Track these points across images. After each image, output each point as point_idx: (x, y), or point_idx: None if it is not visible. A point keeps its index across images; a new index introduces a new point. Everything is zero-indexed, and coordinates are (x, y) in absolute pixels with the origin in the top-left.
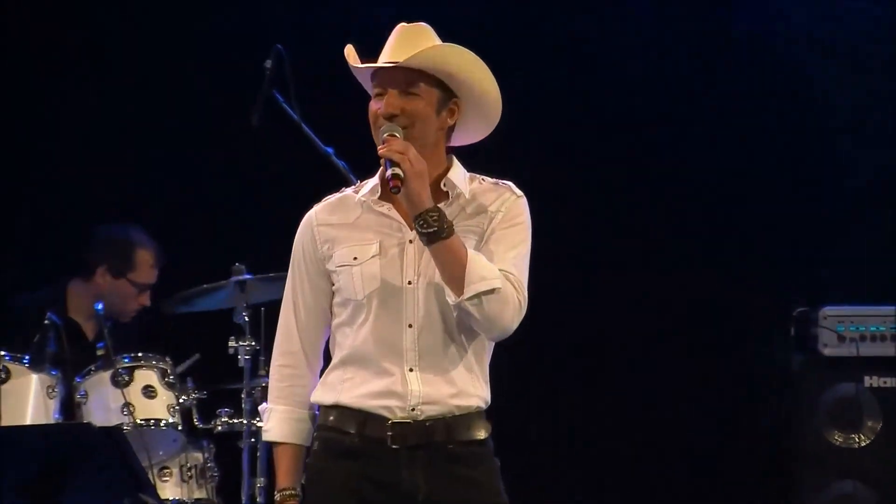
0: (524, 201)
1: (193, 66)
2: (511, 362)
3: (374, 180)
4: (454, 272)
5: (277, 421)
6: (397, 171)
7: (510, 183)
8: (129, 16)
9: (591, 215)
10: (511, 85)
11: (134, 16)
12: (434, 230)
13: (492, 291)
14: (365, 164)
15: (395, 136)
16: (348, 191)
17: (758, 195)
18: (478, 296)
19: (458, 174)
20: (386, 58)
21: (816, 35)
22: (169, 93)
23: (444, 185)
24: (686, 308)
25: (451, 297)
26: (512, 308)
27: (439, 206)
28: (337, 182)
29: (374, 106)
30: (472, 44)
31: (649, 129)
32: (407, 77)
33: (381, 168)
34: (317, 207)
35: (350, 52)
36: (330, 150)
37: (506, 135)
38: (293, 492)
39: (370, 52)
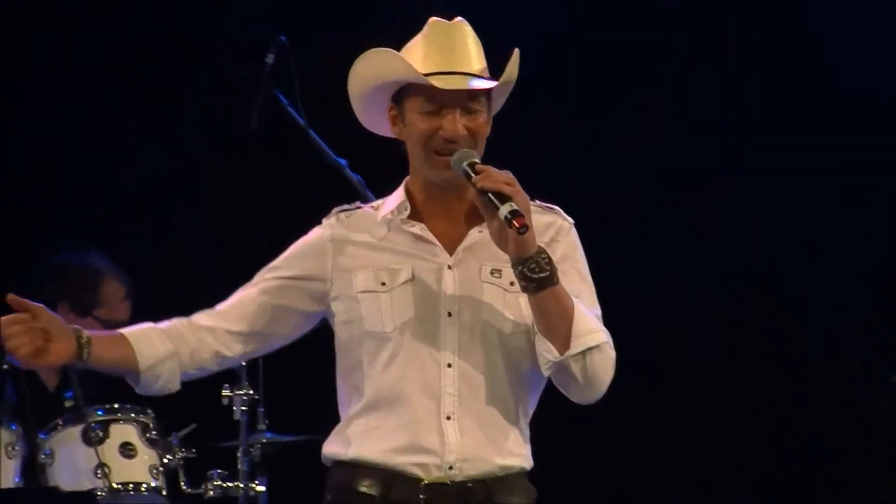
0: (575, 230)
1: (182, 62)
2: (556, 414)
3: (399, 197)
4: (560, 324)
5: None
6: (515, 206)
7: (557, 207)
8: (107, 11)
9: (651, 236)
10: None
11: (114, 11)
12: (547, 274)
13: (598, 347)
14: (383, 178)
15: (477, 161)
16: (365, 207)
17: (850, 206)
18: (583, 352)
19: None
20: (448, 65)
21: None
22: (151, 91)
23: None
24: (754, 341)
25: (551, 354)
26: (612, 365)
27: (476, 230)
28: (350, 200)
29: (428, 124)
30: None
31: (715, 142)
32: (473, 92)
33: (417, 190)
34: (332, 219)
35: (399, 59)
36: (343, 161)
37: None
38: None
39: (389, 45)
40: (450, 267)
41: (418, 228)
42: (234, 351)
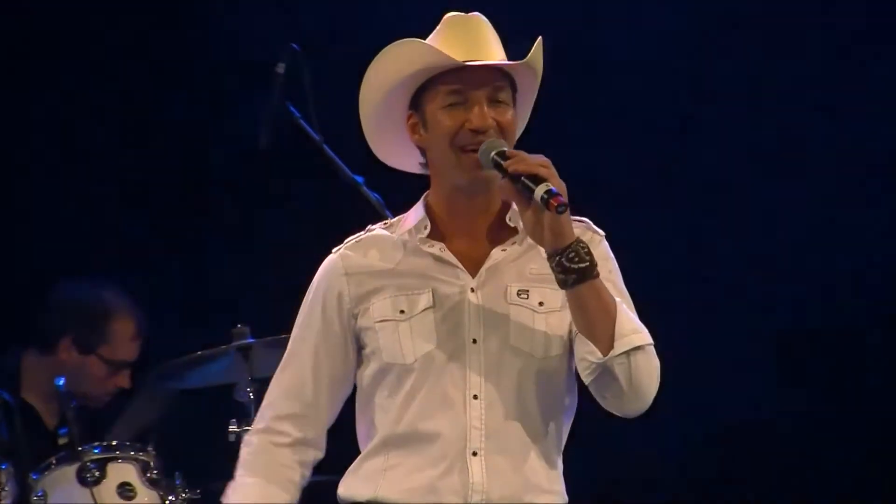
0: (606, 242)
1: (183, 73)
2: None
3: (417, 214)
4: (602, 321)
5: (243, 495)
6: (551, 186)
7: (587, 219)
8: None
9: (652, 238)
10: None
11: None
12: (587, 265)
13: (642, 348)
14: (405, 196)
15: (506, 149)
16: (377, 229)
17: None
18: (627, 353)
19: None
20: (469, 54)
21: None
22: (150, 107)
23: (510, 217)
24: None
25: (593, 356)
26: (657, 373)
27: (499, 249)
28: (368, 219)
29: (453, 119)
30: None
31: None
32: (497, 82)
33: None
34: (342, 251)
35: (423, 45)
36: (360, 179)
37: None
38: None
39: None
40: (473, 290)
41: (438, 248)
42: (323, 445)
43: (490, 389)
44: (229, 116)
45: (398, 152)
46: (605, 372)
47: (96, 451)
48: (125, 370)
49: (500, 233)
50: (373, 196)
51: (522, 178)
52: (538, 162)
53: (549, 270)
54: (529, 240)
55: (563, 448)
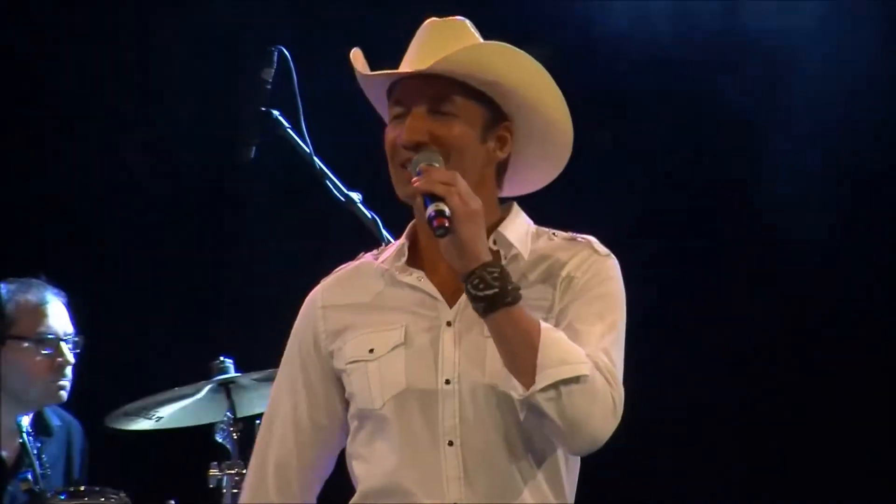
0: (614, 262)
1: (160, 79)
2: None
3: (401, 240)
4: (522, 353)
5: None
6: (442, 206)
7: (592, 238)
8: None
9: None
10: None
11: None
12: (495, 292)
13: (575, 380)
14: (406, 215)
15: (435, 165)
16: (367, 257)
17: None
18: (555, 386)
19: (516, 227)
20: (409, 65)
21: None
22: (122, 116)
23: (496, 241)
24: None
25: (516, 391)
26: (603, 406)
27: None
28: (363, 241)
29: (392, 133)
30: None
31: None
32: (437, 90)
33: (415, 218)
34: (325, 283)
35: (358, 56)
36: (357, 194)
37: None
38: None
39: (393, 58)
40: (449, 324)
41: (416, 278)
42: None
43: (467, 435)
44: (212, 127)
45: None
46: (532, 409)
47: (62, 497)
48: (55, 345)
49: None
50: (369, 214)
51: (422, 196)
52: (439, 179)
53: (532, 299)
54: (515, 266)
55: (570, 496)
